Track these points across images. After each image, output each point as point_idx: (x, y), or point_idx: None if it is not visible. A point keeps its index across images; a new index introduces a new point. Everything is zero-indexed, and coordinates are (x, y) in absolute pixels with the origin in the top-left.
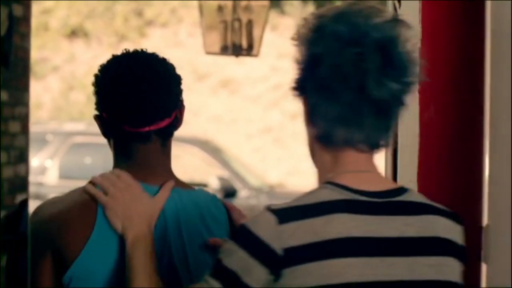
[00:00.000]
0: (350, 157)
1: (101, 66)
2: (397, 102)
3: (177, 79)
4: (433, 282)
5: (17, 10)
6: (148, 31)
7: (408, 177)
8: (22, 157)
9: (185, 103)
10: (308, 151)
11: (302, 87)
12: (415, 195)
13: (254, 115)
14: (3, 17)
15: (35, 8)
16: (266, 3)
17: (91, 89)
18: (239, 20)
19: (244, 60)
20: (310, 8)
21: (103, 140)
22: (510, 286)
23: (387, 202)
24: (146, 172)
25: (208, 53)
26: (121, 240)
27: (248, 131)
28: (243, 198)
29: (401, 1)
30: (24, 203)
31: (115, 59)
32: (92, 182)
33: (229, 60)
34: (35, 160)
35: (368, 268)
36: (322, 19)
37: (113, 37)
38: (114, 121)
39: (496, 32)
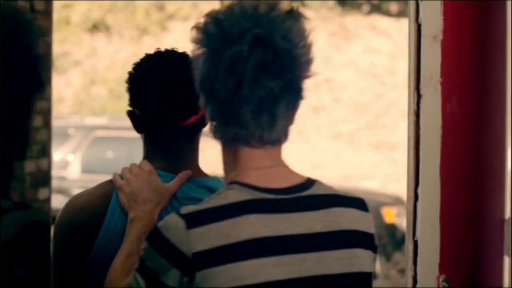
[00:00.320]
0: (247, 154)
1: (134, 64)
2: (278, 98)
3: None
4: (343, 275)
5: (39, 4)
6: (170, 25)
7: (431, 170)
8: (44, 151)
9: None
10: None
11: (198, 87)
12: (322, 187)
13: None
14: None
15: (56, 2)
16: None
17: (112, 83)
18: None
19: None
20: (331, 1)
21: (124, 134)
22: None
23: (294, 198)
24: (174, 166)
25: None
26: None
27: None
28: None
29: (423, 0)
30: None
31: (147, 58)
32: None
33: None
34: (57, 155)
35: (279, 266)
36: (208, 19)
37: (135, 31)
38: (146, 117)
39: None
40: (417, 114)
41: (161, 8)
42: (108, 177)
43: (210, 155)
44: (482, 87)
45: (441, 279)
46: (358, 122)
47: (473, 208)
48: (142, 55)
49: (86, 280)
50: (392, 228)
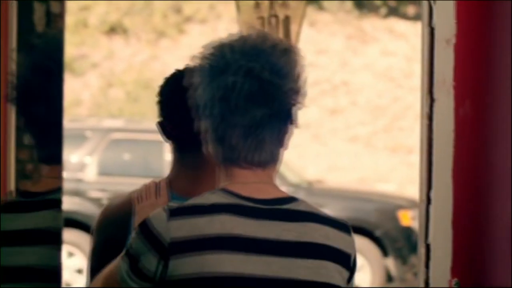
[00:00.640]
0: (237, 172)
1: (164, 78)
2: (265, 125)
3: None
4: (309, 282)
5: (54, 6)
6: (187, 27)
7: (443, 174)
8: None
9: None
10: None
11: (195, 111)
12: (303, 205)
13: None
14: (40, 14)
15: (74, 4)
16: None
17: (130, 86)
18: (276, 16)
19: None
20: (349, 4)
21: (141, 137)
22: None
23: (272, 209)
24: (195, 187)
25: None
26: None
27: None
28: None
29: (436, 1)
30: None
31: (174, 74)
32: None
33: None
34: (74, 157)
35: (244, 263)
36: (210, 50)
37: (152, 33)
38: (173, 129)
39: None
40: (430, 118)
41: (178, 11)
42: (124, 179)
43: None
44: (495, 91)
45: (453, 283)
46: (375, 125)
47: (485, 212)
48: (159, 58)
49: None
50: (408, 231)
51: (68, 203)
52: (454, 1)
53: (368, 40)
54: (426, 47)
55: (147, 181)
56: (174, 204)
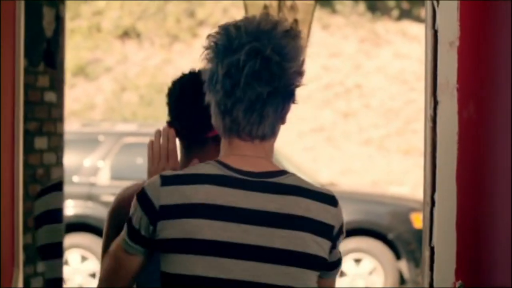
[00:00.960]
0: (237, 144)
1: (172, 81)
2: (266, 101)
3: None
4: (284, 250)
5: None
6: (200, 31)
7: (447, 177)
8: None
9: None
10: None
11: (205, 85)
12: (291, 179)
13: (305, 114)
14: (49, 18)
15: (87, 9)
16: (312, 2)
17: (143, 90)
18: (285, 19)
19: None
20: (361, 7)
21: None
22: None
23: (258, 181)
24: None
25: None
26: None
27: (300, 130)
28: None
29: (440, 1)
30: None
31: (181, 76)
32: None
33: None
34: (87, 161)
35: (223, 230)
36: (220, 30)
37: (165, 37)
38: (180, 128)
39: None
40: (434, 120)
41: (191, 15)
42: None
43: None
44: (498, 93)
45: (457, 285)
46: (388, 128)
47: (489, 215)
48: (172, 62)
49: None
50: (421, 234)
51: (81, 207)
52: (458, 4)
53: (381, 43)
54: (430, 50)
55: None
56: (168, 172)
